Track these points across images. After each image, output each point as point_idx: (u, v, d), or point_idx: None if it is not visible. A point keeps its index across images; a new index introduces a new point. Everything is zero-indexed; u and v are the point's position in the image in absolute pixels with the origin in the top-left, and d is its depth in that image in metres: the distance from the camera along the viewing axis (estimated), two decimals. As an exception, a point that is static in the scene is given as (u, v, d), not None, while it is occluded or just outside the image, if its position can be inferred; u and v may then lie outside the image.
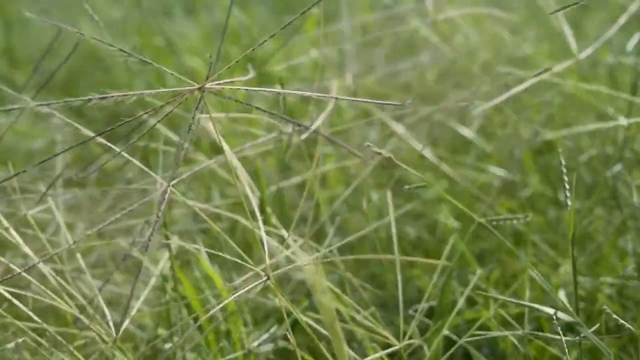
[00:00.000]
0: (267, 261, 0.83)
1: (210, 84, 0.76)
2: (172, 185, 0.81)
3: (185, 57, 1.84)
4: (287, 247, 0.97)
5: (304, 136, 1.08)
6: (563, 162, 0.90)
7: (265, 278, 0.84)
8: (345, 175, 1.42)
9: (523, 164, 1.37)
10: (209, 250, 0.96)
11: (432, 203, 1.36)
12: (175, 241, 1.04)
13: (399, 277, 0.96)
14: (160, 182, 0.96)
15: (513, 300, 0.93)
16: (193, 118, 0.75)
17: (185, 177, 1.01)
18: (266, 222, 1.05)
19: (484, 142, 1.41)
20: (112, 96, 0.74)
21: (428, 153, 1.30)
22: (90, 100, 0.72)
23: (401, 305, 0.94)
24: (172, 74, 0.77)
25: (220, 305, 0.86)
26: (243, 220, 1.07)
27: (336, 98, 0.75)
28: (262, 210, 1.05)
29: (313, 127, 1.02)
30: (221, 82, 0.76)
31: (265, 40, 0.77)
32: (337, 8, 1.58)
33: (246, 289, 0.86)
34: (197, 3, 2.35)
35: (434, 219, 1.35)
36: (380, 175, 1.37)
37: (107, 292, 1.10)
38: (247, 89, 0.75)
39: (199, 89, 0.76)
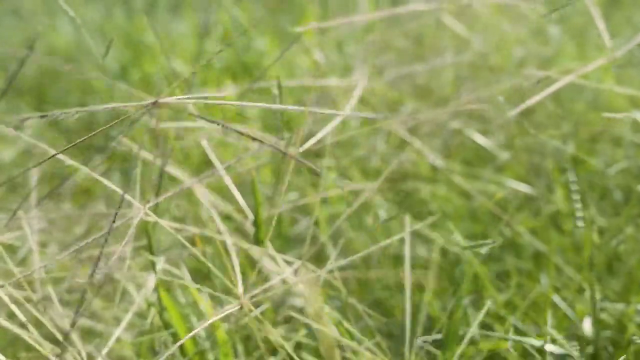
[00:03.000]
0: (240, 288, 0.82)
1: (166, 98, 0.75)
2: (150, 208, 0.82)
3: (172, 58, 1.85)
4: (285, 268, 0.97)
5: (302, 148, 1.08)
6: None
7: (238, 306, 0.84)
8: (348, 190, 1.42)
9: (548, 178, 1.37)
10: (195, 270, 0.96)
11: (444, 221, 1.37)
12: (161, 262, 1.05)
13: (408, 303, 0.96)
14: (137, 206, 0.96)
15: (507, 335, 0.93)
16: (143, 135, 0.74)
17: (164, 198, 1.01)
18: (261, 243, 1.06)
19: (505, 153, 1.41)
20: (61, 113, 0.73)
21: (441, 164, 1.30)
22: (45, 116, 0.72)
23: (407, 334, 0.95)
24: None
25: (204, 325, 0.85)
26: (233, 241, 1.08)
27: (335, 113, 0.75)
28: (259, 230, 1.05)
29: (313, 141, 1.02)
30: (179, 97, 0.74)
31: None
32: (338, 6, 1.58)
33: (220, 315, 0.85)
34: (184, 1, 2.37)
35: (446, 239, 1.36)
36: (389, 189, 1.37)
37: (84, 320, 1.11)
38: (208, 102, 0.74)
39: (153, 103, 0.75)
